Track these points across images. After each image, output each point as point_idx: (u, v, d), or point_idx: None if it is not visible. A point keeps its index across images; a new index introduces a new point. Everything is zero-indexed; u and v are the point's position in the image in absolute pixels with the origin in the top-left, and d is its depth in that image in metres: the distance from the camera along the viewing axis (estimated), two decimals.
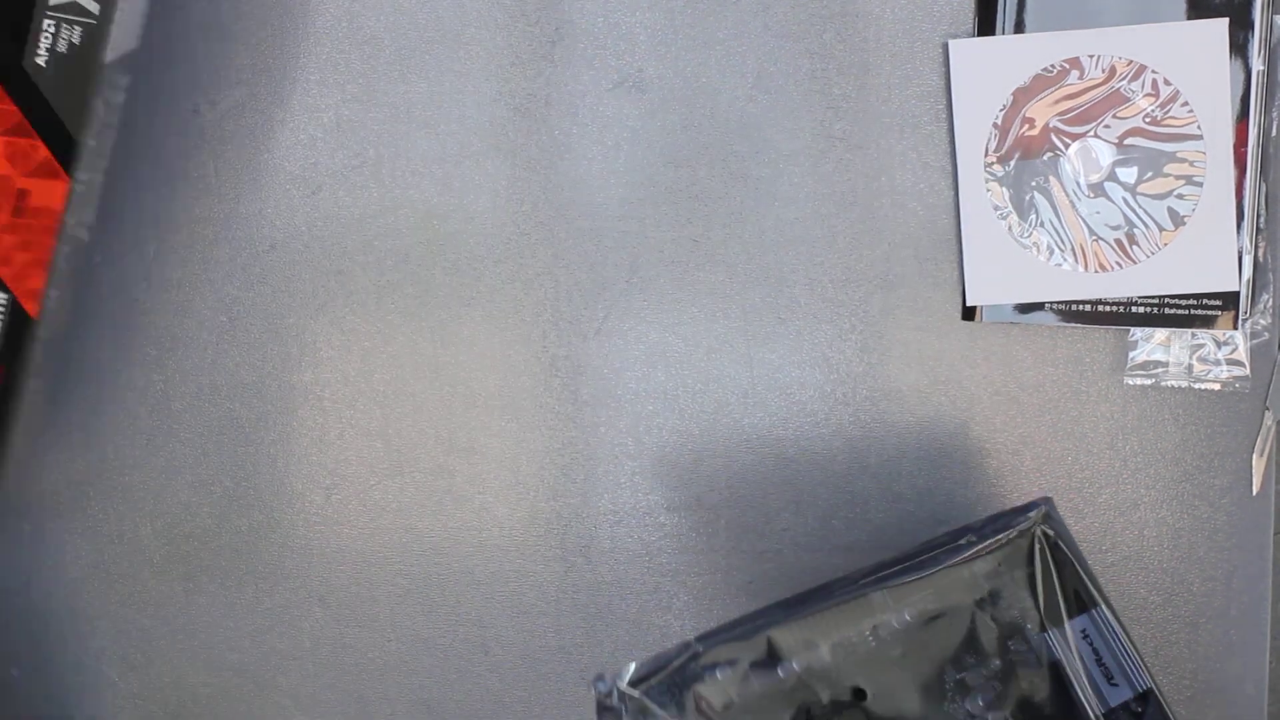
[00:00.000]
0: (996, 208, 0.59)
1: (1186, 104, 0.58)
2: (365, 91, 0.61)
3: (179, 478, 0.63)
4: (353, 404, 0.62)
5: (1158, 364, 0.60)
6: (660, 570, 0.62)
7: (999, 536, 0.51)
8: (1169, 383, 0.60)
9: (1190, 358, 0.59)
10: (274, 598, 0.63)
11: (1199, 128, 0.58)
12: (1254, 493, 0.60)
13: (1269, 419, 0.60)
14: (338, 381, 0.62)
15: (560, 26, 0.60)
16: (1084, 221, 0.59)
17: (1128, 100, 0.58)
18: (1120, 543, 0.61)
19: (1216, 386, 0.59)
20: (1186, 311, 0.59)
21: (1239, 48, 0.58)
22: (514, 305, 0.61)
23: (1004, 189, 0.59)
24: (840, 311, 0.61)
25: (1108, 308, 0.59)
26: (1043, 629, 0.50)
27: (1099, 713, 0.50)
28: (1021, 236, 0.59)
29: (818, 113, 0.60)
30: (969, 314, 0.60)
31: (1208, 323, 0.59)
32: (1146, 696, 0.50)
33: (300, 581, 0.63)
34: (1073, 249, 0.59)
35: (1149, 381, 0.60)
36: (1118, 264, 0.59)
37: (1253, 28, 0.58)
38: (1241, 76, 0.58)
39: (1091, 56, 0.58)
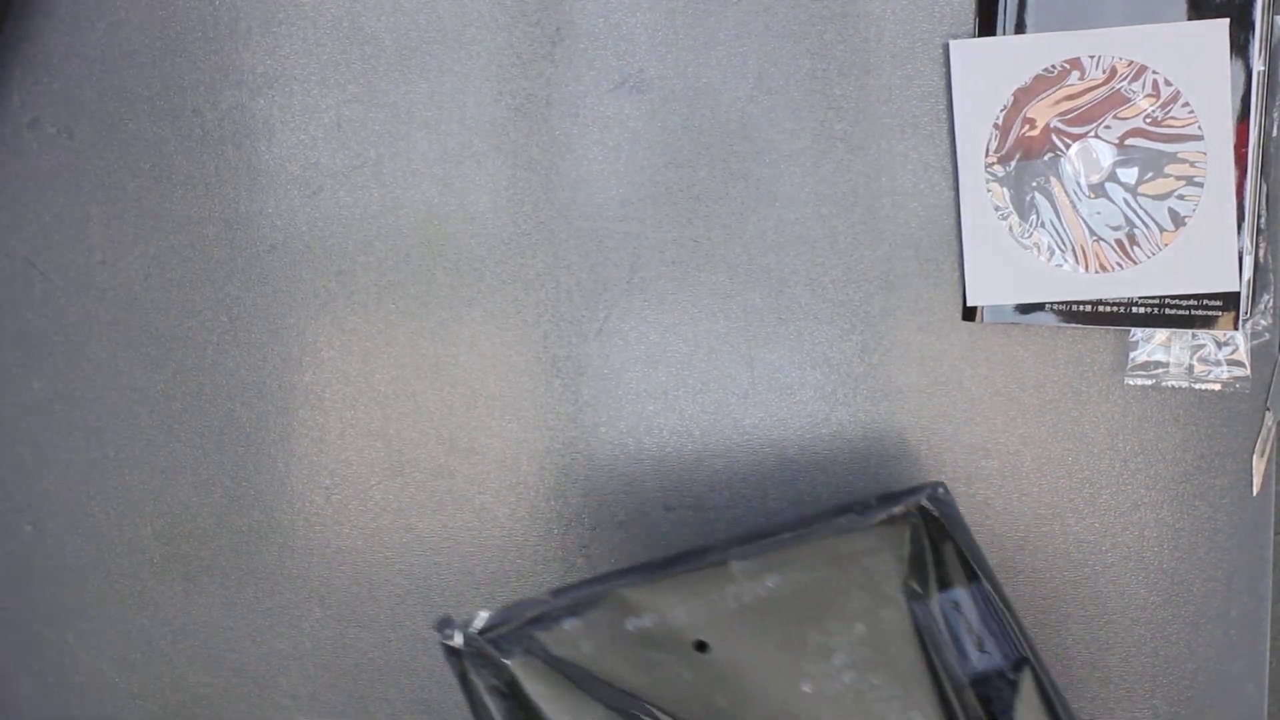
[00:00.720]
0: (997, 208, 0.59)
1: (1187, 104, 0.58)
2: (366, 91, 0.61)
3: (179, 478, 0.63)
4: (353, 404, 0.62)
5: (1158, 364, 0.60)
6: None
7: (881, 513, 0.52)
8: (1169, 383, 0.60)
9: (1191, 358, 0.59)
10: (274, 598, 0.63)
11: (1200, 128, 0.58)
12: (1254, 493, 0.60)
13: (1269, 419, 0.60)
14: (338, 381, 0.62)
15: (561, 27, 0.60)
16: (1085, 222, 0.59)
17: (1128, 101, 0.58)
18: (1120, 543, 0.61)
19: (1217, 387, 0.59)
20: (1187, 312, 0.59)
21: (1240, 48, 0.58)
22: (515, 305, 0.61)
23: (1005, 189, 0.59)
24: (841, 312, 0.61)
25: (1108, 308, 0.59)
26: (911, 599, 0.51)
27: (963, 677, 0.51)
28: (1022, 237, 0.59)
29: (818, 113, 0.60)
30: (969, 314, 0.60)
31: (1208, 323, 0.59)
32: (1021, 666, 0.51)
33: (300, 581, 0.63)
34: (1073, 249, 0.59)
35: (1149, 382, 0.60)
36: (1118, 264, 0.59)
37: (1253, 28, 0.58)
38: (1242, 77, 0.58)
39: (1092, 57, 0.58)
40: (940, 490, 0.53)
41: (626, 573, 0.51)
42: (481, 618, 0.50)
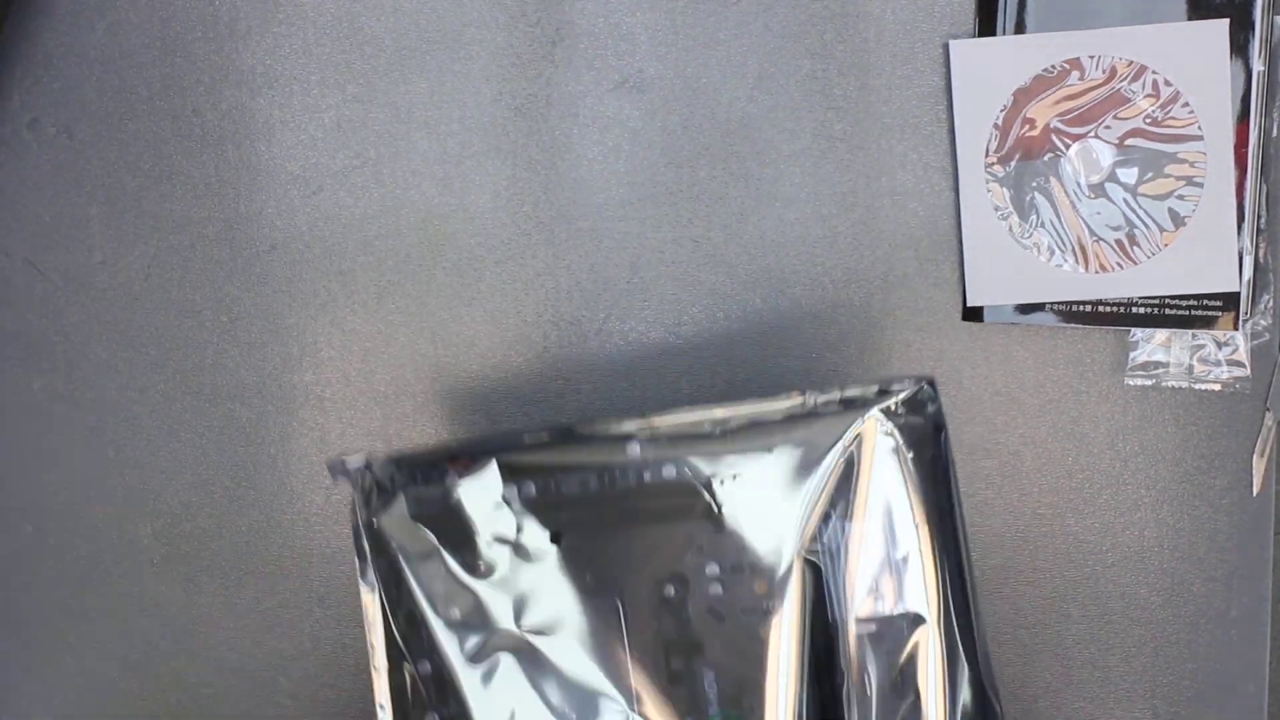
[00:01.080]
0: (997, 208, 0.59)
1: (1187, 105, 0.58)
2: (365, 92, 0.61)
3: (179, 478, 0.63)
4: (353, 404, 0.62)
5: (1158, 364, 0.60)
6: None
7: (829, 411, 0.46)
8: (1169, 383, 0.60)
9: (1191, 358, 0.59)
10: (274, 598, 0.63)
11: (1199, 128, 0.58)
12: (1254, 493, 0.60)
13: (1269, 419, 0.60)
14: (338, 381, 0.62)
15: (561, 27, 0.60)
16: (1084, 222, 0.59)
17: (1128, 101, 0.58)
18: (1120, 543, 0.61)
19: (1217, 387, 0.59)
20: (1187, 312, 0.59)
21: (1239, 48, 0.58)
22: (514, 306, 0.61)
23: (1005, 189, 0.59)
24: (841, 312, 0.61)
25: (1108, 308, 0.59)
26: (828, 517, 0.46)
27: (852, 615, 0.46)
28: (1022, 237, 0.59)
29: (818, 113, 0.60)
30: (970, 314, 0.60)
31: (1208, 323, 0.59)
32: (918, 623, 0.46)
33: (300, 581, 0.63)
34: (1073, 249, 0.59)
35: (1149, 382, 0.60)
36: (1118, 264, 0.59)
37: (1253, 28, 0.58)
38: (1242, 77, 0.58)
39: (1092, 57, 0.58)
40: (923, 389, 0.46)
41: (530, 433, 0.48)
42: (377, 459, 0.48)
